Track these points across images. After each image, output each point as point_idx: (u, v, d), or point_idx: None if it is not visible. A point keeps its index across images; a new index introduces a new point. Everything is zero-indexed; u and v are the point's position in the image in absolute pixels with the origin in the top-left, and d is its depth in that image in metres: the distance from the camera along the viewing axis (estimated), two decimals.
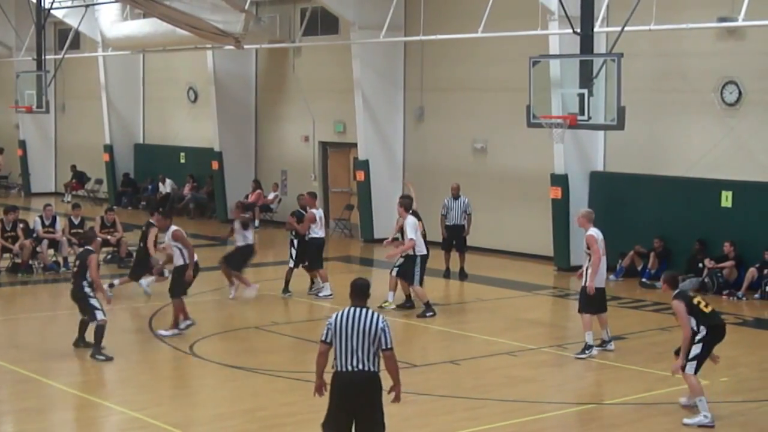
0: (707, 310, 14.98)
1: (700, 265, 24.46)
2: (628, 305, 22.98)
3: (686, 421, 14.55)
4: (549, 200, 27.31)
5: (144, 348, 18.85)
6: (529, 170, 28.69)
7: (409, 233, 21.24)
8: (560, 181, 26.98)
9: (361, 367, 11.12)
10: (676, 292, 15.05)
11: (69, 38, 40.13)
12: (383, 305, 21.63)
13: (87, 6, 38.46)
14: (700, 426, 14.42)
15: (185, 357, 18.00)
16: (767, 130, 24.59)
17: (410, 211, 21.65)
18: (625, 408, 15.18)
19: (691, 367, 14.76)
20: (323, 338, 11.28)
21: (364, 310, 11.20)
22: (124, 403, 15.25)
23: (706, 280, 24.06)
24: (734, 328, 20.92)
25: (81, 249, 18.61)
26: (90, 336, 17.79)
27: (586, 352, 18.23)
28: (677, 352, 15.11)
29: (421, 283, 21.56)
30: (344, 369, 11.13)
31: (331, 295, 23.31)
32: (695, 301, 14.96)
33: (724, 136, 25.13)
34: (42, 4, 36.79)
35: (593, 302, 18.33)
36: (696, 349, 14.82)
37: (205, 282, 24.00)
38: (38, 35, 37.22)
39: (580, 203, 27.08)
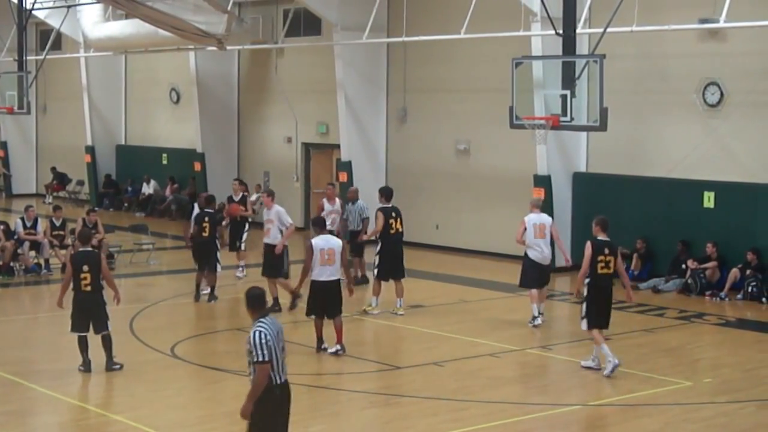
0: (601, 271, 16.93)
1: (683, 266, 24.48)
2: (612, 306, 22.90)
3: (583, 363, 17.25)
4: None
5: (125, 350, 18.75)
6: (512, 171, 28.68)
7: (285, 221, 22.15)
8: (543, 182, 26.98)
9: (287, 377, 10.88)
10: (597, 238, 16.99)
11: (51, 39, 40.00)
12: (366, 309, 21.63)
13: (69, 7, 38.32)
14: (588, 368, 17.08)
15: (166, 359, 17.93)
16: (749, 131, 24.64)
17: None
18: (609, 409, 15.17)
19: (584, 323, 16.99)
20: (268, 358, 10.55)
21: (273, 319, 10.83)
22: (105, 406, 15.21)
23: (689, 281, 24.08)
24: (717, 328, 21.00)
25: (81, 250, 17.21)
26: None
27: (530, 323, 20.65)
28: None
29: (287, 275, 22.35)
30: (281, 381, 10.74)
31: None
32: (600, 258, 16.83)
33: (706, 137, 25.17)
34: (24, 5, 36.64)
35: (524, 276, 20.99)
36: (583, 310, 17.02)
37: (186, 284, 23.95)
38: (20, 36, 37.05)
39: (563, 204, 27.15)
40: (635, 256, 25.45)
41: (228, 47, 32.11)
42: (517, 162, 28.45)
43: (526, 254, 20.91)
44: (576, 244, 27.24)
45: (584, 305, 17.06)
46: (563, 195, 27.19)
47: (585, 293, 17.13)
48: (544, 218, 20.94)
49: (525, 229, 20.74)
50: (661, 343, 19.41)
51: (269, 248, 21.82)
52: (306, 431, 14.03)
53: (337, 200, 25.30)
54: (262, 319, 10.73)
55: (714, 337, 20.43)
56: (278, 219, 21.98)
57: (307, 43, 33.82)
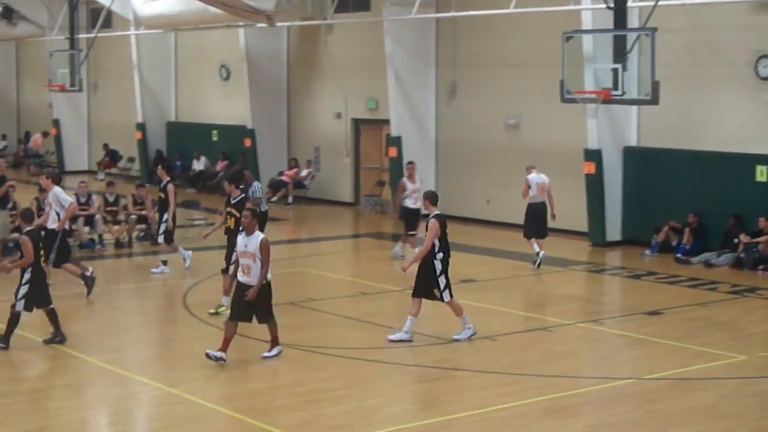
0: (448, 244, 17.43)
1: (735, 240, 24.35)
2: (664, 281, 22.92)
3: (454, 337, 17.44)
4: (583, 176, 27.23)
5: (177, 324, 18.95)
6: (562, 146, 28.60)
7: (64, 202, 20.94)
8: (594, 156, 26.88)
9: None
10: (437, 213, 17.23)
11: (101, 17, 40.11)
12: (219, 311, 19.13)
13: None
14: (468, 338, 17.37)
15: (220, 333, 18.01)
16: None
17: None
18: (662, 383, 15.14)
19: (447, 294, 17.16)
20: None
21: None
22: (161, 379, 15.33)
23: (741, 255, 23.96)
24: None
25: (32, 229, 17.21)
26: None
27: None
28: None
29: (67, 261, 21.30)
30: None
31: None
32: (446, 231, 17.21)
33: (758, 110, 24.97)
34: None
35: (526, 226, 24.68)
36: (441, 282, 17.07)
37: None
38: (71, 14, 37.40)
39: (614, 178, 27.06)
40: (687, 230, 25.31)
41: (277, 23, 32.20)
42: (567, 136, 28.38)
43: (529, 205, 24.51)
44: (627, 219, 27.25)
45: (442, 278, 17.08)
46: (614, 169, 27.09)
47: (440, 267, 17.05)
48: (543, 177, 24.54)
49: (529, 187, 24.37)
50: (714, 318, 19.35)
51: (50, 233, 20.73)
52: (360, 405, 14.15)
53: (418, 178, 25.08)
54: None
55: (767, 311, 20.33)
56: (56, 201, 20.95)
57: (356, 18, 33.84)
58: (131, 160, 44.39)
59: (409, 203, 24.68)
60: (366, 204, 34.44)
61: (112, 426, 13.83)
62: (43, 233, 18.95)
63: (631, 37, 21.35)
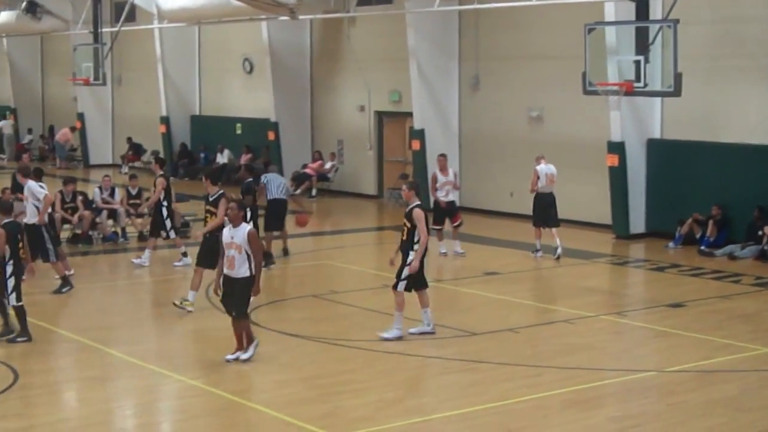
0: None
1: (760, 232, 24.24)
2: (687, 273, 22.84)
3: (412, 330, 17.16)
4: (606, 168, 27.15)
5: (202, 317, 18.96)
6: (585, 138, 28.53)
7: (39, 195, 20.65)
8: (617, 148, 26.78)
9: None
10: (418, 203, 16.98)
11: (125, 11, 40.16)
12: (184, 304, 19.06)
13: None
14: (422, 333, 17.08)
15: None
16: None
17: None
18: (685, 375, 15.09)
19: (402, 285, 16.90)
20: None
21: None
22: (183, 371, 15.36)
23: (765, 247, 23.85)
24: None
25: (11, 221, 17.05)
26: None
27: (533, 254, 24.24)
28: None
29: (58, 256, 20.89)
30: None
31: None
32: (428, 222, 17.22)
33: None
34: None
35: (534, 215, 24.38)
36: (406, 272, 16.81)
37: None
38: (94, 8, 37.46)
39: (637, 171, 26.96)
40: (711, 222, 25.20)
41: (300, 16, 32.19)
42: (590, 128, 28.30)
43: (537, 194, 24.16)
44: (651, 212, 27.15)
45: (406, 270, 16.83)
46: (637, 162, 26.98)
47: (411, 258, 16.83)
48: (552, 168, 24.30)
49: (538, 178, 24.06)
50: (738, 310, 19.27)
51: (29, 227, 19.98)
52: (382, 397, 14.14)
53: (451, 170, 24.93)
54: None
55: None
56: (31, 195, 20.64)
57: (379, 11, 33.84)
58: (155, 153, 44.48)
59: (440, 195, 24.57)
60: (389, 197, 34.45)
61: (133, 418, 13.86)
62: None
63: (654, 28, 21.30)
